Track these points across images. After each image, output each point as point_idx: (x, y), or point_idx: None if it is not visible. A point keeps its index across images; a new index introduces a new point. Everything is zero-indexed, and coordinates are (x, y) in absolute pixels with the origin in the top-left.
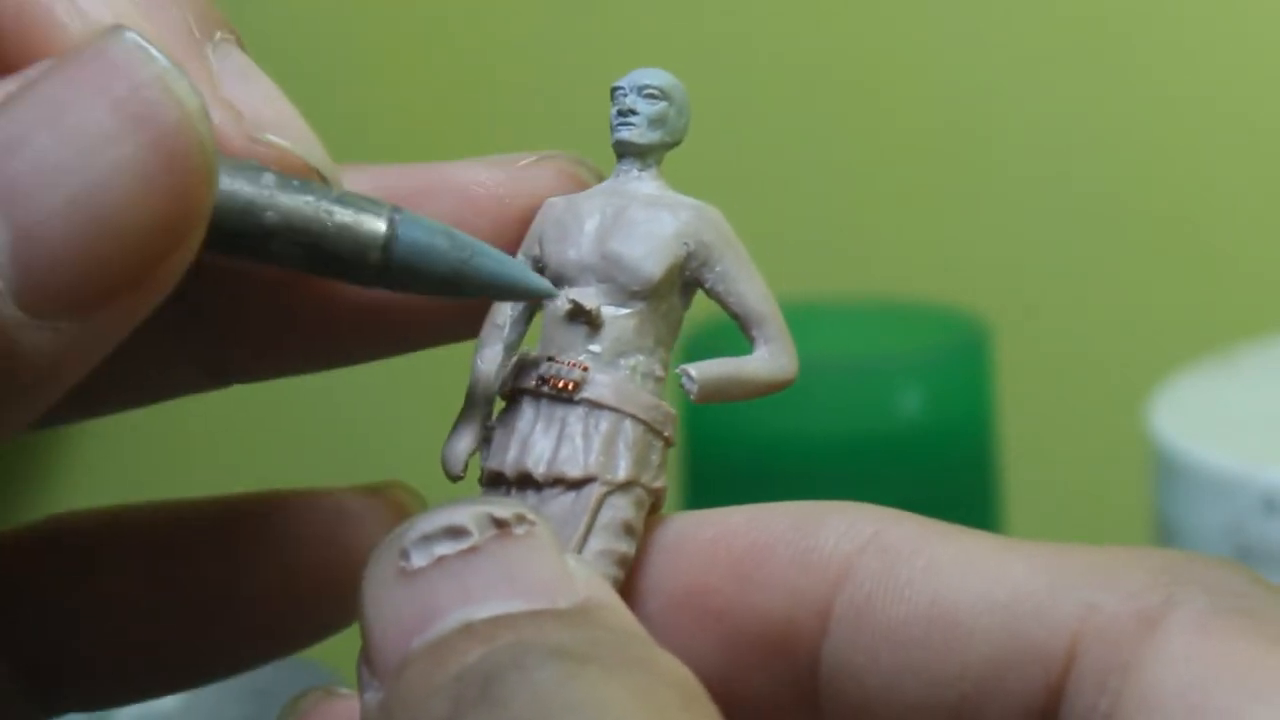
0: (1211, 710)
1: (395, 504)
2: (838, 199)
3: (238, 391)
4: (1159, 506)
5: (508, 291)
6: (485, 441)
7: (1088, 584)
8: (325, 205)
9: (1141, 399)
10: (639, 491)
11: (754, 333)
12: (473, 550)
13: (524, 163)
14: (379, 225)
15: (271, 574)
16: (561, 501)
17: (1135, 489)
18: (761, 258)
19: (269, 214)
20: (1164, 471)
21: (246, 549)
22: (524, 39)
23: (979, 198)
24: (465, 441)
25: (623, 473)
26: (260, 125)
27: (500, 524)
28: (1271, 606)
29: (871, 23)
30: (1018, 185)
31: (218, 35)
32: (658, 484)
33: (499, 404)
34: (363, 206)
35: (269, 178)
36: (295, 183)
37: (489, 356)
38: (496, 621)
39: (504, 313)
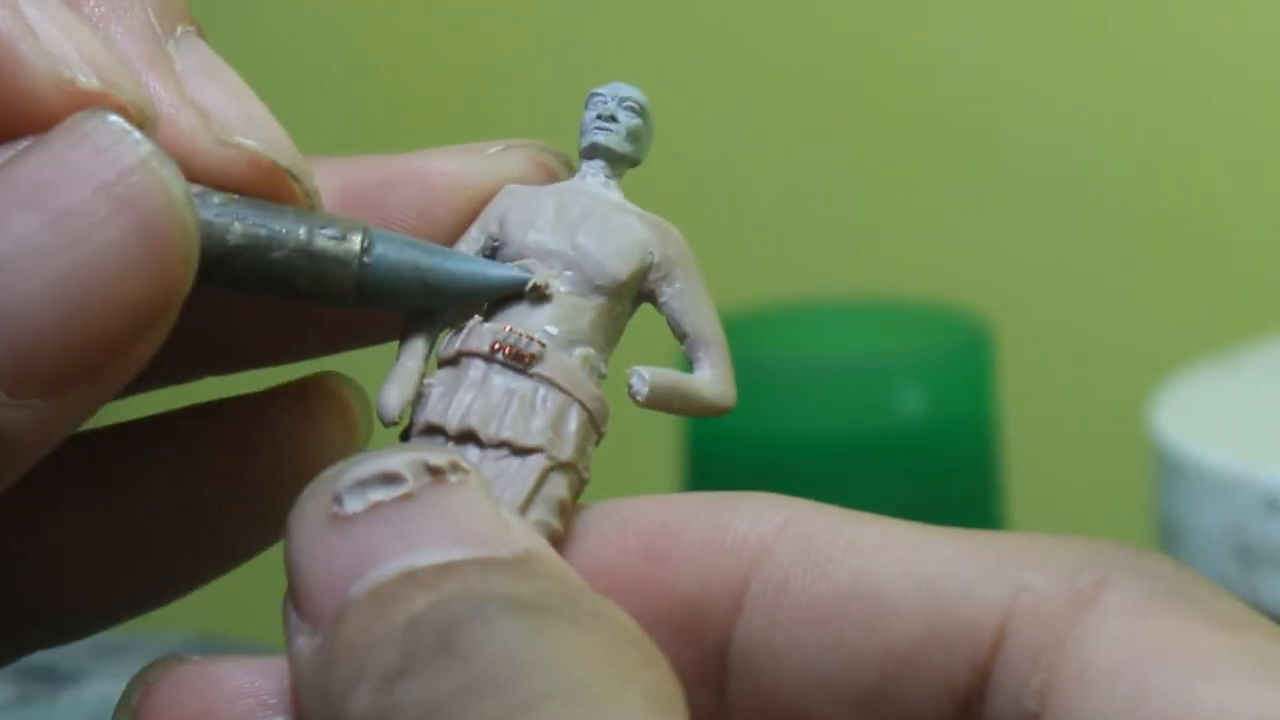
0: (1155, 688)
1: (328, 392)
2: (838, 199)
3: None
4: (1160, 506)
5: (484, 294)
6: (420, 395)
7: (1018, 564)
8: (295, 253)
9: (1143, 399)
10: (574, 476)
11: (700, 354)
12: (408, 496)
13: (491, 151)
14: (349, 263)
15: (214, 484)
16: (505, 464)
17: (1136, 488)
18: (761, 257)
19: (243, 271)
20: (1165, 471)
21: (188, 462)
22: (523, 31)
23: (979, 197)
24: (401, 391)
25: (567, 453)
26: (228, 127)
27: (435, 471)
28: (1204, 590)
29: (872, 22)
30: (1018, 185)
31: (179, 30)
32: (587, 475)
33: (433, 365)
34: (328, 246)
35: (237, 229)
36: (262, 228)
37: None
38: (440, 569)
39: None
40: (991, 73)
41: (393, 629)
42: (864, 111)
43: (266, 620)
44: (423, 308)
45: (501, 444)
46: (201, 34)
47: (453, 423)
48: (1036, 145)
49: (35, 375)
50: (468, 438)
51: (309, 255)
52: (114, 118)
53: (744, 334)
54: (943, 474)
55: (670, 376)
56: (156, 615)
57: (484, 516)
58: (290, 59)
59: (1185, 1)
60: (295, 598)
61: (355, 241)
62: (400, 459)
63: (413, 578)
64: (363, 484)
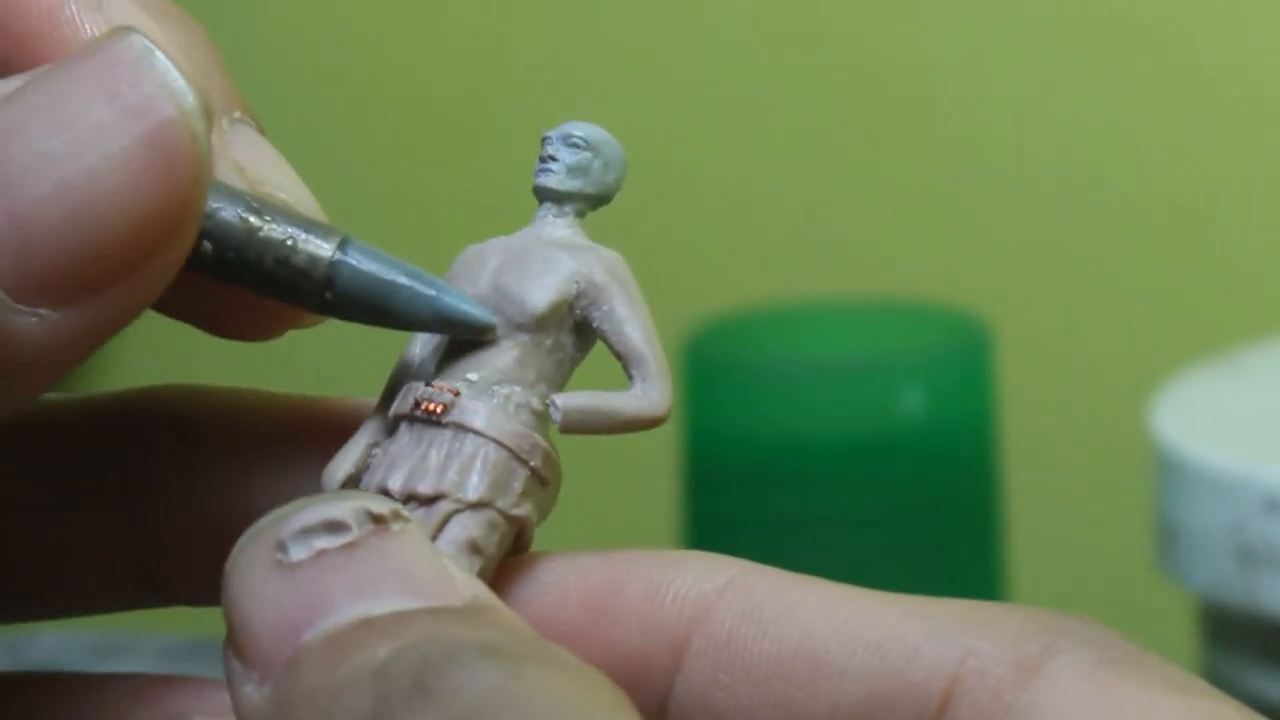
0: None
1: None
2: (837, 199)
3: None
4: (1160, 506)
5: (431, 323)
6: (368, 467)
7: (965, 629)
8: (278, 245)
9: (1143, 399)
10: (492, 514)
11: (633, 371)
12: (353, 545)
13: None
14: (321, 261)
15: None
16: (414, 516)
17: (1137, 489)
18: (761, 257)
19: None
20: (1165, 471)
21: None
22: (526, 31)
23: (979, 198)
24: (346, 464)
25: (473, 493)
26: (261, 181)
27: (378, 519)
28: (1152, 660)
29: (871, 22)
30: (1018, 184)
31: (236, 113)
32: (517, 511)
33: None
34: (308, 237)
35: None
36: (252, 217)
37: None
38: (396, 617)
39: (413, 349)
40: (991, 72)
41: (358, 675)
42: (864, 112)
43: None
44: (384, 325)
45: (409, 498)
46: (259, 128)
47: (373, 488)
48: (1036, 145)
49: (40, 281)
50: (384, 495)
51: (290, 249)
52: (137, 35)
53: (744, 334)
54: (943, 474)
55: (586, 399)
56: (156, 617)
57: (429, 566)
58: (295, 57)
59: (1185, 2)
60: (238, 645)
61: (332, 244)
62: (344, 507)
63: (369, 625)
64: (307, 531)
